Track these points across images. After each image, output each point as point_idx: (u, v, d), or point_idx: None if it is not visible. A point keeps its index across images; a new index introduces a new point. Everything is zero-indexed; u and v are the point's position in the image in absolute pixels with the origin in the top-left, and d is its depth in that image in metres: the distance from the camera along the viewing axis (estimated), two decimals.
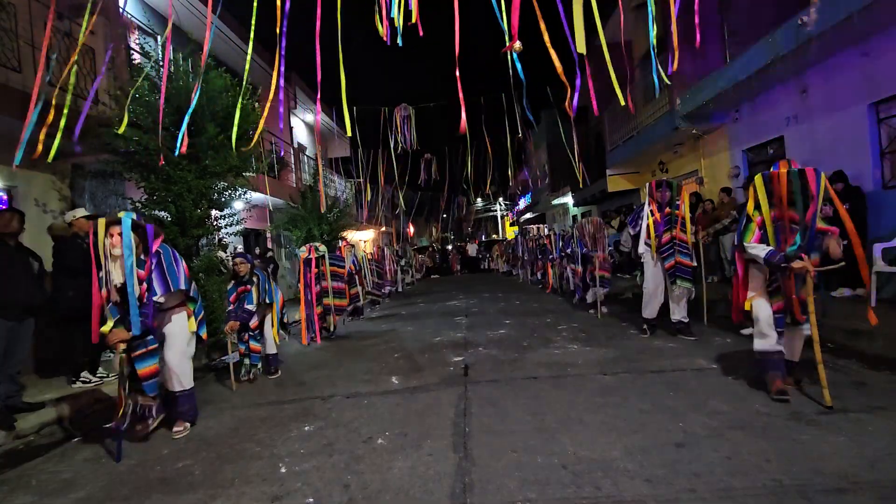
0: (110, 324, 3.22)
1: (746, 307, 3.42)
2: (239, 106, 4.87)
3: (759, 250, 3.19)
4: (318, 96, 4.65)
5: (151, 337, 3.35)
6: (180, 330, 3.56)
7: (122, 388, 3.26)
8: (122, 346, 3.21)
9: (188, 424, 3.54)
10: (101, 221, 3.26)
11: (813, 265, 3.08)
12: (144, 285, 3.26)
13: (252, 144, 5.36)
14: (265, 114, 4.61)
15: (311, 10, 4.05)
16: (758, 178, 3.26)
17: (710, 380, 3.73)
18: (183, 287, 3.47)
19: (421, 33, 3.88)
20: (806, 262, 3.04)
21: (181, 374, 3.52)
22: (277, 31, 3.96)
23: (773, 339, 3.28)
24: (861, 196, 5.64)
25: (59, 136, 3.94)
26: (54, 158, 4.01)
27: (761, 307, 3.33)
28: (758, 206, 3.27)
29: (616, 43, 13.03)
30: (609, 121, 13.30)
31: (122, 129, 4.46)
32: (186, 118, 4.42)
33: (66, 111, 4.03)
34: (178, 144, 4.37)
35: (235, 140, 4.81)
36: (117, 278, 3.24)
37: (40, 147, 3.92)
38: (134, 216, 3.30)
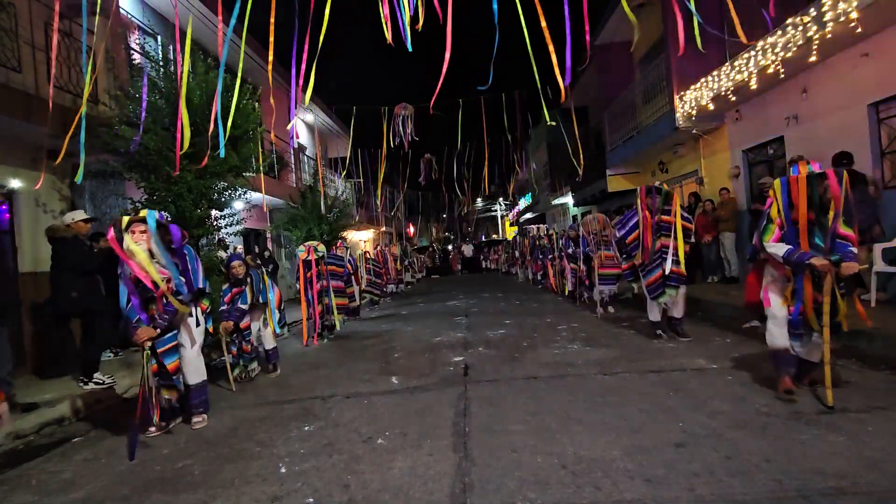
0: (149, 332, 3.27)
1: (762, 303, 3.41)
2: (246, 107, 4.84)
3: (779, 249, 3.18)
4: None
5: (174, 333, 3.46)
6: (195, 324, 3.66)
7: (145, 385, 3.31)
8: (149, 344, 3.29)
9: (205, 416, 3.65)
10: (124, 220, 3.28)
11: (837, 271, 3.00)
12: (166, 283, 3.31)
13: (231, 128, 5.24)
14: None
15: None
16: (776, 183, 3.24)
17: (710, 380, 3.73)
18: (202, 286, 3.59)
19: (419, 28, 3.89)
20: (826, 262, 3.00)
21: (197, 366, 3.64)
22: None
23: (783, 337, 3.25)
24: (864, 181, 5.60)
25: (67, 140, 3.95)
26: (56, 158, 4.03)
27: (775, 305, 3.31)
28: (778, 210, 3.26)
29: (615, 43, 13.06)
30: (609, 121, 13.28)
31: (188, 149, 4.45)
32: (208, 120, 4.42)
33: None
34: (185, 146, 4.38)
35: (236, 140, 4.81)
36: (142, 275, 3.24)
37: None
38: (157, 214, 3.35)
